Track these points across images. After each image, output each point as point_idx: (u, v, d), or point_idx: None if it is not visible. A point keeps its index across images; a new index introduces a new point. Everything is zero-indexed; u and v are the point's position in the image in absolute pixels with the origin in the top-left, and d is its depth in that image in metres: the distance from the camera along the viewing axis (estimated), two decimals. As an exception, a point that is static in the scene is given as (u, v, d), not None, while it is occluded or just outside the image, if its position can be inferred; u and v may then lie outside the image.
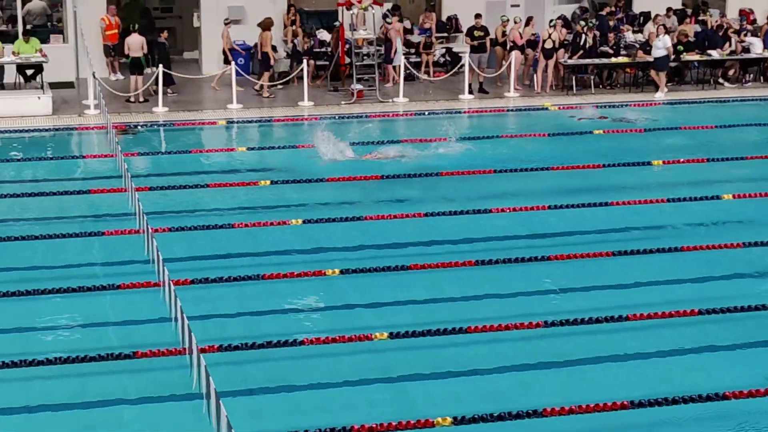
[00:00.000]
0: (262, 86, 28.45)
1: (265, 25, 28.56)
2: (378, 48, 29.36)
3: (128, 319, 15.50)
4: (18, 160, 22.90)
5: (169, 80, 27.85)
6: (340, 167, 22.22)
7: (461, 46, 31.33)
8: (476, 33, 29.91)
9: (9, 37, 28.58)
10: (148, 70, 27.74)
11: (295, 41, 29.44)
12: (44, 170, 22.26)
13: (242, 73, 28.31)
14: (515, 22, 30.05)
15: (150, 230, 16.14)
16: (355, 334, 14.34)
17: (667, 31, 29.77)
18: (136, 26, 28.07)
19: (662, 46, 29.17)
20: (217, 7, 30.34)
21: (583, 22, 30.50)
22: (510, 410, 12.38)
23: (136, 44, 27.48)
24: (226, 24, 29.00)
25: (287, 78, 29.00)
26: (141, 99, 27.33)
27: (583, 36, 29.83)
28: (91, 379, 13.78)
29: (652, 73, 29.45)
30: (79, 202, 19.99)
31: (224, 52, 29.04)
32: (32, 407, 13.18)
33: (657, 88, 29.64)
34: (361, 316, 15.55)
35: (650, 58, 29.77)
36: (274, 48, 29.17)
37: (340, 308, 15.83)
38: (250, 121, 26.21)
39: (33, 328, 15.32)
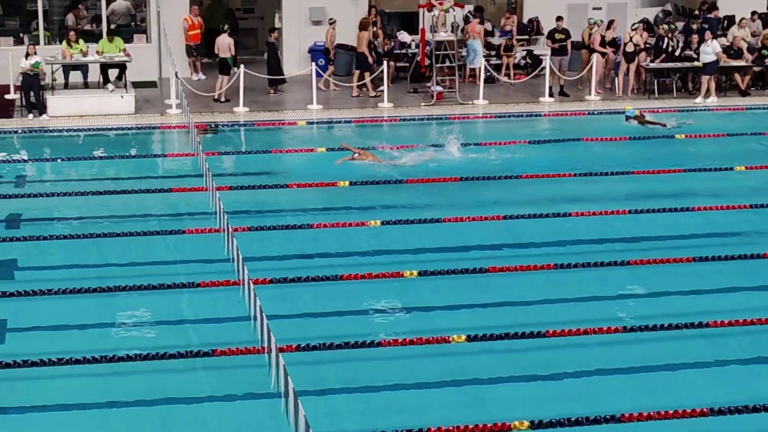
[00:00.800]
0: (363, 86, 28.59)
1: (362, 24, 28.72)
2: (459, 50, 29.31)
3: (207, 317, 15.64)
4: (101, 158, 23.16)
5: (278, 80, 28.15)
6: (419, 168, 22.21)
7: (542, 48, 31.20)
8: (557, 36, 29.76)
9: (93, 37, 28.91)
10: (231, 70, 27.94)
11: (376, 43, 29.49)
12: (126, 168, 22.49)
13: (321, 73, 28.41)
14: (597, 25, 29.87)
15: (230, 229, 16.24)
16: (432, 336, 14.34)
17: (715, 37, 29.45)
18: (225, 27, 28.33)
19: (711, 51, 28.81)
20: (299, 8, 30.48)
21: (665, 26, 30.21)
22: (587, 415, 12.31)
23: (224, 45, 27.71)
24: (330, 24, 29.15)
25: (367, 79, 29.03)
26: (223, 99, 27.54)
27: (666, 39, 29.56)
28: (169, 376, 13.91)
29: (703, 78, 29.02)
30: (161, 201, 20.20)
31: (327, 51, 29.17)
32: (112, 403, 13.33)
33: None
34: (438, 319, 15.54)
35: (734, 63, 29.47)
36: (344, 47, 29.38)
37: (417, 310, 15.83)
38: (329, 122, 26.29)
39: (113, 325, 15.51)
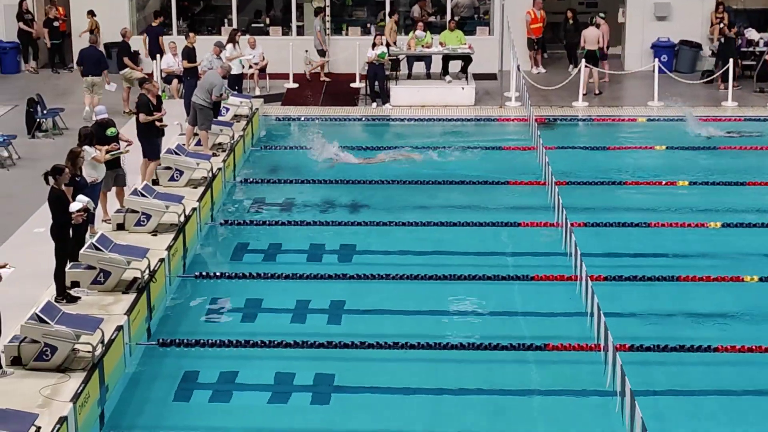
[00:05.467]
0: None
1: None
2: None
3: (539, 310, 15.62)
4: (440, 148, 23.41)
5: None
6: (759, 171, 21.42)
7: None
8: None
9: (436, 28, 29.34)
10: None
11: (722, 40, 28.64)
12: (465, 159, 22.64)
13: (665, 69, 27.83)
14: None
15: (569, 224, 16.15)
16: (772, 344, 13.84)
17: None
18: (595, 20, 28.25)
19: None
20: (643, 3, 29.97)
21: None
22: None
23: (592, 37, 27.56)
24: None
25: (711, 77, 28.27)
26: (597, 91, 27.33)
27: None
28: (500, 366, 14.01)
29: None
30: (498, 192, 20.29)
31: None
32: (442, 390, 13.53)
33: None
34: (779, 327, 14.99)
35: None
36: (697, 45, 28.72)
37: (757, 317, 15.30)
38: (670, 120, 25.63)
39: (447, 312, 15.74)
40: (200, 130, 21.15)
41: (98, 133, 17.52)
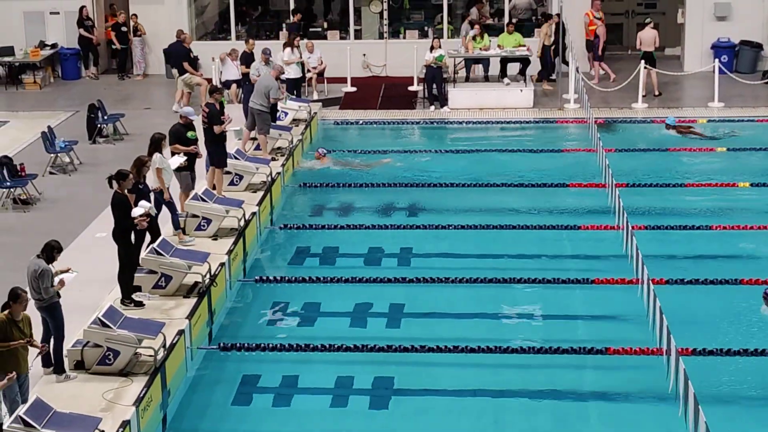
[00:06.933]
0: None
1: None
2: None
3: (600, 314, 15.53)
4: (498, 150, 23.36)
5: None
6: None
7: None
8: None
9: (494, 31, 29.25)
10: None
11: (783, 40, 28.42)
12: (523, 162, 22.53)
13: (725, 70, 27.58)
14: None
15: (630, 227, 16.04)
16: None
17: None
18: (648, 20, 28.05)
19: None
20: (703, 3, 29.70)
21: None
22: None
23: (648, 38, 27.36)
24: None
25: None
26: (656, 92, 27.08)
27: None
28: (560, 370, 13.93)
29: None
30: (557, 195, 20.20)
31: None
32: (503, 392, 13.51)
33: None
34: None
35: None
36: None
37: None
38: (730, 121, 25.40)
39: (506, 316, 15.69)
40: (259, 135, 21.23)
41: (179, 132, 17.78)
